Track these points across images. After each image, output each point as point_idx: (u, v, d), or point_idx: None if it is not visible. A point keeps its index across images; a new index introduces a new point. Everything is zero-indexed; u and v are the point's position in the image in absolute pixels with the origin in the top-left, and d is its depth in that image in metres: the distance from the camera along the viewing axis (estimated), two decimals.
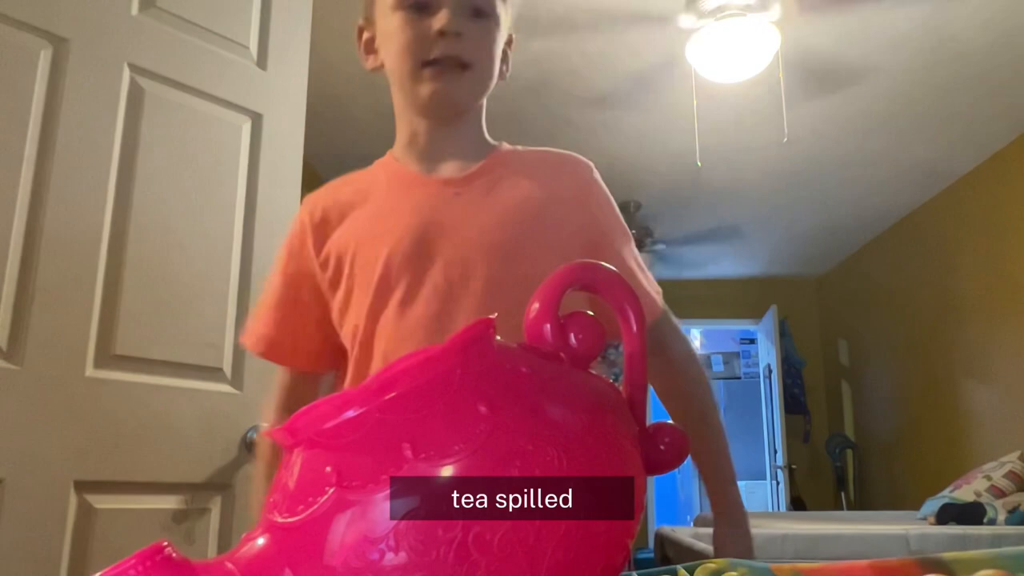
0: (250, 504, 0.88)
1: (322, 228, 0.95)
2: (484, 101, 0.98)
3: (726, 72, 2.93)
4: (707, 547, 2.40)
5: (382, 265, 0.88)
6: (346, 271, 0.91)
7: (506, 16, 0.94)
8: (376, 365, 0.89)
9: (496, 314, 0.82)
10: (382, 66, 0.96)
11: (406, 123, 0.96)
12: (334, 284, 0.93)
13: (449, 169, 0.94)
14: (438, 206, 0.90)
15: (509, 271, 0.86)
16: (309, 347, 0.98)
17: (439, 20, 0.87)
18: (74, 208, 1.37)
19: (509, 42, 0.98)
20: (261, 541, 0.33)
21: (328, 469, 0.33)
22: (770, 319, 5.88)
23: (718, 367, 7.17)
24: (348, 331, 0.92)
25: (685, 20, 2.89)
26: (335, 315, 0.94)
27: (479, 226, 0.89)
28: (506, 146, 0.99)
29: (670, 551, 3.00)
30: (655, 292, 0.99)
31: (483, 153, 0.96)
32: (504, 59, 0.97)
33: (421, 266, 0.87)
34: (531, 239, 0.89)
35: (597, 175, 0.99)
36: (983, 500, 3.22)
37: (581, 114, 3.58)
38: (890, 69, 3.20)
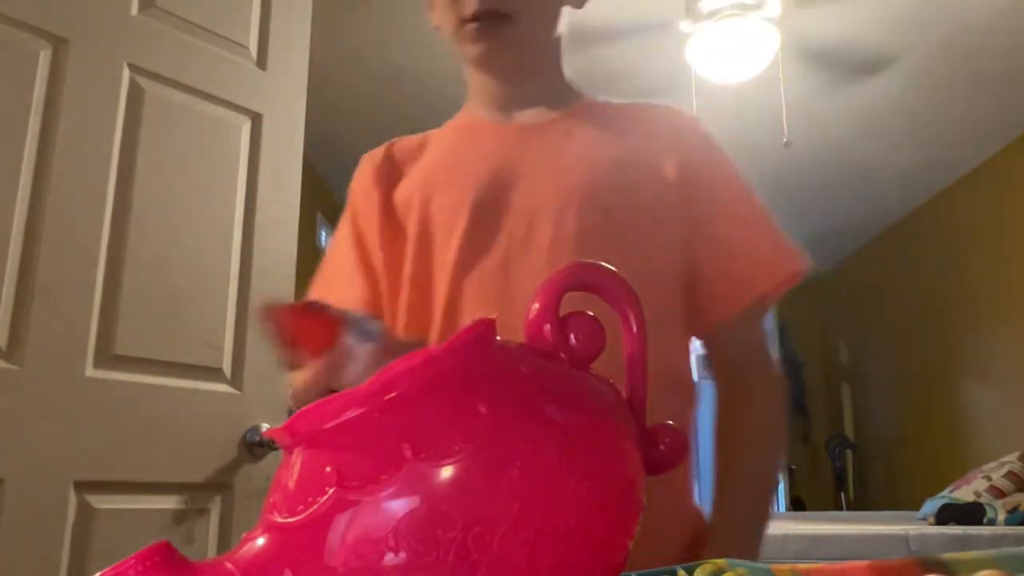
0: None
1: (386, 168, 0.89)
2: (560, 46, 0.89)
3: (726, 72, 2.93)
4: None
5: (443, 215, 0.81)
6: (412, 219, 0.83)
7: None
8: (439, 318, 0.80)
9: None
10: (440, 26, 0.87)
11: (473, 75, 0.89)
12: (394, 234, 0.85)
13: (526, 117, 0.86)
14: (509, 153, 0.83)
15: (588, 220, 0.78)
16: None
17: None
18: (74, 208, 1.37)
19: None
20: (261, 541, 0.33)
21: (328, 469, 0.33)
22: (770, 319, 5.88)
23: None
24: (406, 282, 0.83)
25: (685, 25, 2.89)
26: (385, 265, 0.86)
27: (555, 171, 0.81)
28: (596, 97, 0.91)
29: None
30: (793, 250, 0.85)
31: (565, 102, 0.88)
32: None
33: (488, 217, 0.80)
34: (614, 188, 0.80)
35: (703, 126, 0.88)
36: (983, 500, 3.22)
37: None
38: (890, 70, 3.20)
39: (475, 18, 0.79)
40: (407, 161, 0.89)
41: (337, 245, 0.92)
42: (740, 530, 0.80)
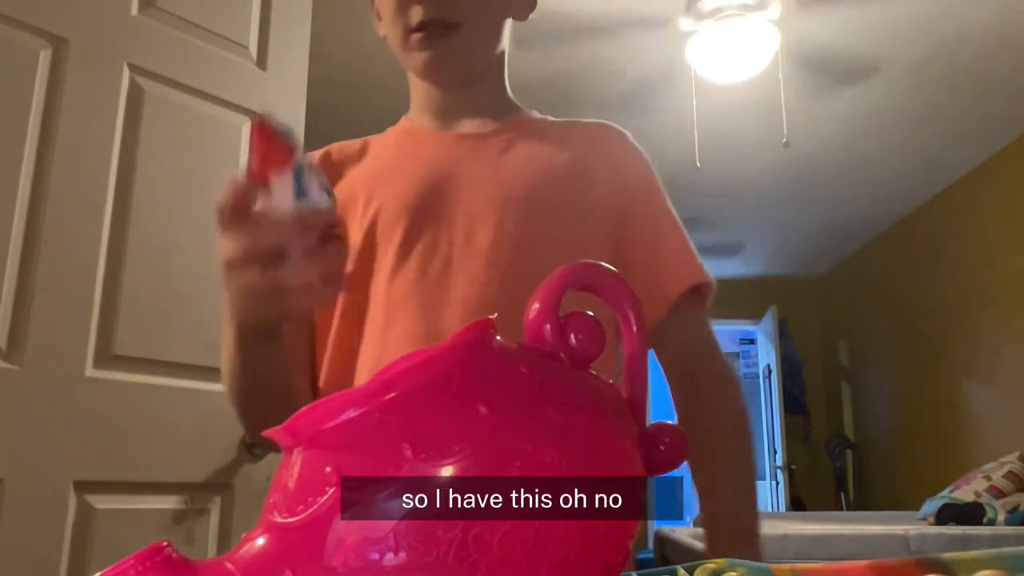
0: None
1: (324, 169, 0.85)
2: (504, 59, 0.91)
3: (726, 72, 2.93)
4: None
5: (382, 216, 0.81)
6: (352, 222, 0.83)
7: None
8: (379, 319, 0.80)
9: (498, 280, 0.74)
10: (386, 36, 0.89)
11: (416, 85, 0.90)
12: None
13: (467, 127, 0.88)
14: (449, 160, 0.84)
15: (526, 226, 0.80)
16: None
17: None
18: (74, 208, 1.37)
19: None
20: (261, 541, 0.33)
21: (328, 469, 0.33)
22: (770, 319, 5.88)
23: None
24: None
25: (685, 23, 2.89)
26: None
27: (494, 180, 0.82)
28: (534, 112, 0.93)
29: (670, 551, 3.00)
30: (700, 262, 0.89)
31: (505, 114, 0.90)
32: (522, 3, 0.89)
33: (427, 220, 0.80)
34: (551, 196, 0.82)
35: (632, 140, 0.92)
36: (983, 500, 3.22)
37: (582, 115, 3.58)
38: (890, 69, 3.20)
39: (421, 27, 0.80)
40: (346, 163, 0.89)
41: None
42: (744, 519, 0.83)
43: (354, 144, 0.92)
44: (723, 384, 0.88)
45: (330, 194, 0.56)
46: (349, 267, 0.80)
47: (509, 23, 0.90)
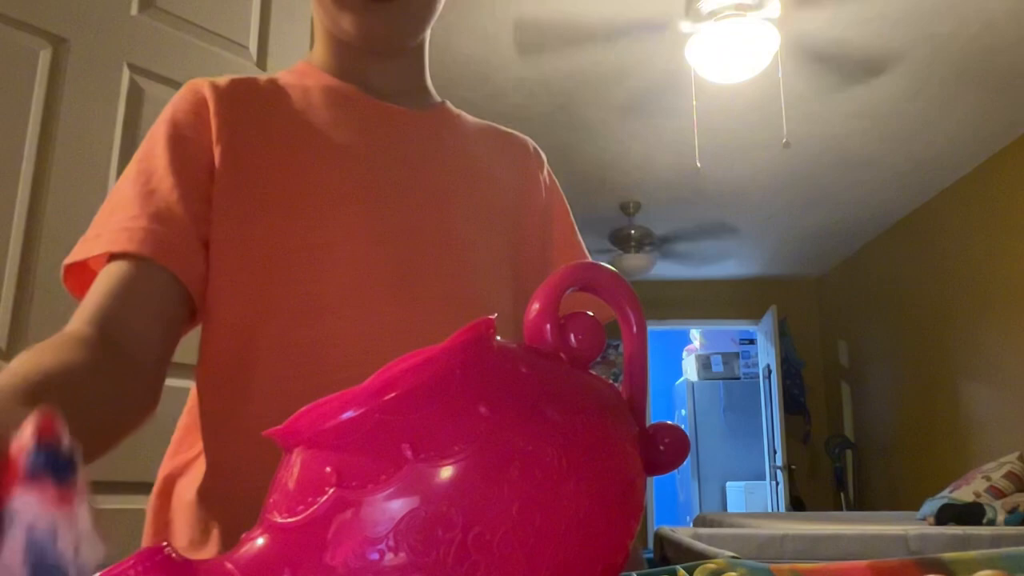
0: None
1: (231, 106, 0.74)
2: (426, 44, 0.86)
3: (726, 73, 2.94)
4: (707, 547, 2.40)
5: (336, 189, 0.72)
6: (274, 185, 0.71)
7: None
8: (334, 302, 0.70)
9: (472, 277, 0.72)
10: None
11: (335, 44, 0.81)
12: (231, 191, 0.70)
13: (399, 102, 0.81)
14: (393, 133, 0.78)
15: (487, 216, 0.79)
16: (201, 263, 0.70)
17: None
18: (74, 208, 1.37)
19: None
20: (261, 541, 0.33)
21: (328, 469, 0.33)
22: (769, 319, 5.88)
23: (717, 368, 7.17)
24: (256, 256, 0.69)
25: (685, 25, 2.89)
26: (219, 231, 0.70)
27: (454, 160, 0.80)
28: (449, 104, 0.89)
29: (669, 551, 3.00)
30: None
31: (427, 101, 0.86)
32: None
33: (376, 195, 0.73)
34: (485, 194, 0.80)
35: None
36: (982, 501, 3.22)
37: (583, 118, 3.58)
38: (890, 69, 3.20)
39: None
40: (253, 101, 0.77)
41: (146, 172, 0.71)
42: None
43: (260, 83, 0.80)
44: None
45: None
46: (263, 241, 0.69)
47: (440, 4, 0.84)
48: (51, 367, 0.55)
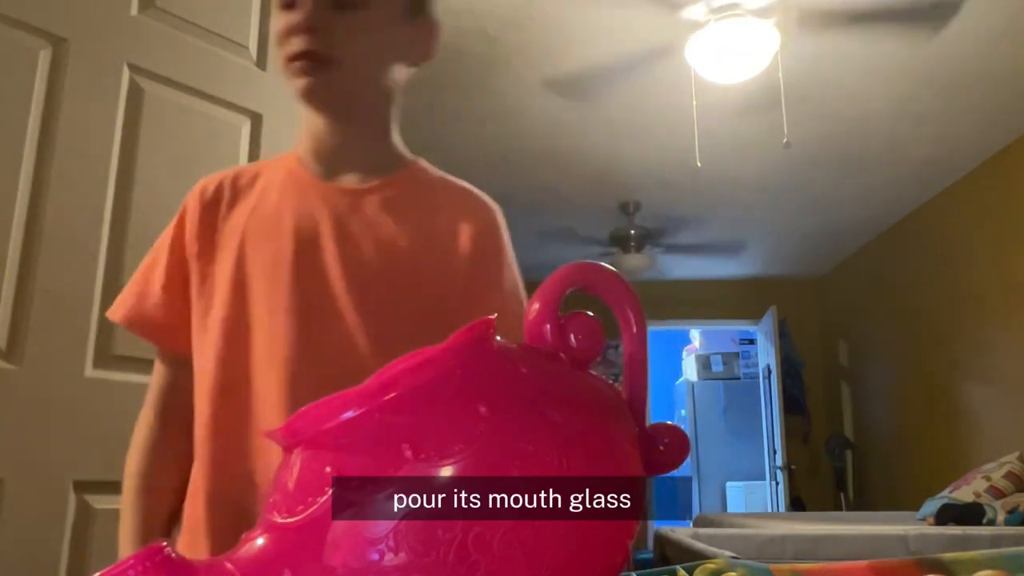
0: (119, 546, 0.84)
1: (212, 210, 0.89)
2: (393, 106, 0.91)
3: (726, 73, 2.93)
4: (707, 547, 2.40)
5: (265, 268, 0.84)
6: (227, 263, 0.85)
7: (397, 6, 0.87)
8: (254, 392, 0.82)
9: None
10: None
11: (305, 115, 0.90)
12: (205, 277, 0.87)
13: (349, 180, 0.88)
14: (325, 216, 0.85)
15: (383, 295, 0.83)
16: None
17: (293, 15, 0.82)
18: (74, 208, 1.37)
19: (425, 30, 0.90)
20: (261, 541, 0.33)
21: (328, 469, 0.33)
22: (769, 320, 5.88)
23: (717, 368, 7.16)
24: (216, 325, 0.84)
25: (689, 11, 2.85)
26: (196, 317, 0.86)
27: (359, 246, 0.85)
28: (421, 163, 0.93)
29: (669, 552, 3.00)
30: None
31: (390, 166, 0.90)
32: (419, 46, 0.89)
33: (294, 276, 0.83)
34: (403, 276, 0.85)
35: (501, 220, 0.92)
36: (982, 501, 3.22)
37: (583, 117, 3.58)
38: (890, 69, 3.20)
39: (299, 56, 0.83)
40: (237, 197, 0.90)
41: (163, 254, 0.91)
42: None
43: (249, 171, 0.93)
44: None
45: None
46: (221, 311, 0.84)
47: (402, 70, 0.90)
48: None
